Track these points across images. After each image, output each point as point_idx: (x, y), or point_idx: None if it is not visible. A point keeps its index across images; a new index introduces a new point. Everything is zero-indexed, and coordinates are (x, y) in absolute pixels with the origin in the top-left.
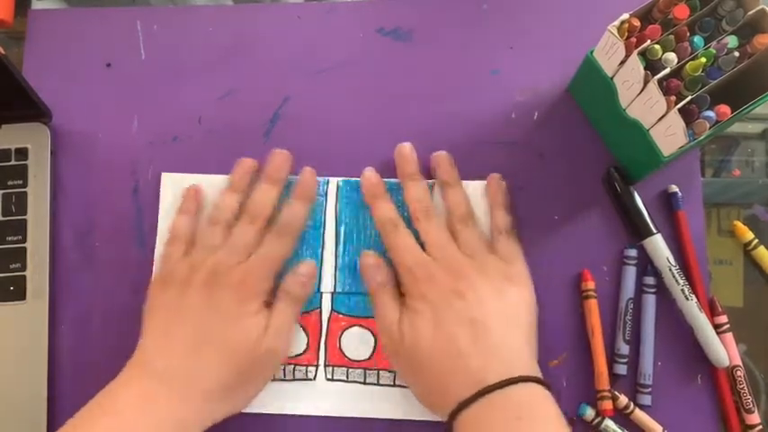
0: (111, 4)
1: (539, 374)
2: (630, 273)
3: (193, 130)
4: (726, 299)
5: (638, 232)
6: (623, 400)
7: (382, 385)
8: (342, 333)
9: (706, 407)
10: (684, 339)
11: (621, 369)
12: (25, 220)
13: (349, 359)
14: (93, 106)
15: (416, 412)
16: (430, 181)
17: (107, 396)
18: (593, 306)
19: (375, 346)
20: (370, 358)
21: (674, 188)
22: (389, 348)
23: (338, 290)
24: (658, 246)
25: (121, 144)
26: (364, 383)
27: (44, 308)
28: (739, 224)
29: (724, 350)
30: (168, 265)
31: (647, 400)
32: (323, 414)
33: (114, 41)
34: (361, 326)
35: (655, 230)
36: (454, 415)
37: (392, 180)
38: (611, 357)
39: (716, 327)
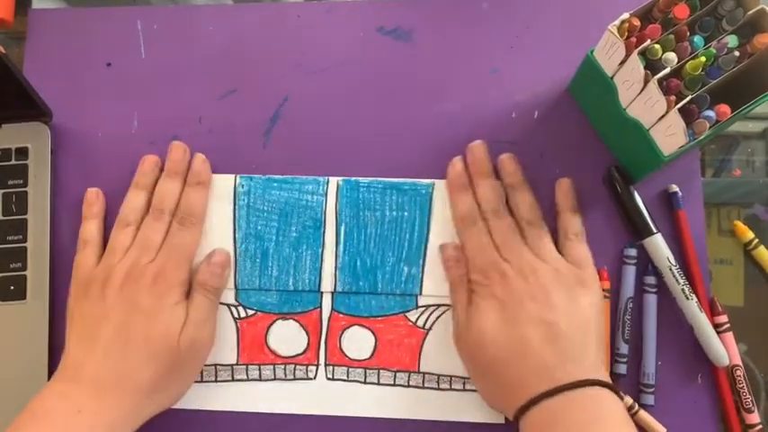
0: (111, 4)
1: (610, 382)
2: (630, 272)
3: (193, 130)
4: (726, 298)
5: (638, 232)
6: (628, 400)
7: (383, 385)
8: (342, 332)
9: (706, 406)
10: (685, 339)
11: (622, 368)
12: (26, 220)
13: (349, 359)
14: (94, 106)
15: (416, 411)
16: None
17: (38, 403)
18: None
19: (375, 346)
20: (370, 358)
21: (675, 188)
22: (459, 344)
23: (338, 289)
24: (659, 245)
25: (122, 144)
26: (364, 383)
27: (44, 308)
28: (739, 224)
29: (724, 349)
30: (84, 272)
31: (650, 399)
32: (323, 413)
33: (114, 41)
34: (361, 325)
35: (655, 230)
36: (524, 410)
37: (394, 180)
38: (611, 357)
39: (716, 326)
